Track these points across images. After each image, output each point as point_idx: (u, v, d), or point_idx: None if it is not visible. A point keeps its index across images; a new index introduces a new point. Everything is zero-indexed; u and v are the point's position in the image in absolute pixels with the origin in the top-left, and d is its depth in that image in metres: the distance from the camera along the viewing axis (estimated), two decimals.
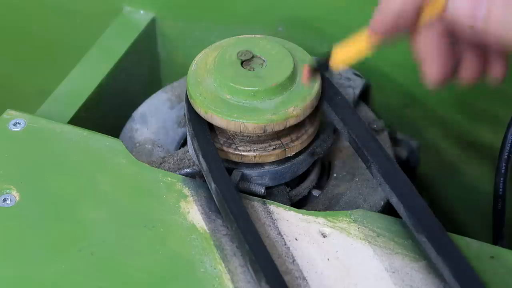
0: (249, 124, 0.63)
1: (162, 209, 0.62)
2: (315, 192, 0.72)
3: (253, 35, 0.69)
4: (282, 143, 0.66)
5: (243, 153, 0.66)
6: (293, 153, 0.67)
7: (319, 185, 0.73)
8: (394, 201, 0.60)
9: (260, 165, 0.67)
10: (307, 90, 0.65)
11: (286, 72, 0.65)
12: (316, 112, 0.67)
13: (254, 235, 0.58)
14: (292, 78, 0.65)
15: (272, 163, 0.67)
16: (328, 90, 0.67)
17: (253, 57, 0.66)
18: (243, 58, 0.66)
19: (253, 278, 0.57)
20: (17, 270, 0.59)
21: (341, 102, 0.66)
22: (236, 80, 0.64)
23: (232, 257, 0.59)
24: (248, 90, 0.64)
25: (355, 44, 0.57)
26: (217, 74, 0.65)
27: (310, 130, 0.67)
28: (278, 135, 0.66)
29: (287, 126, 0.64)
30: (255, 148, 0.66)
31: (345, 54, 0.58)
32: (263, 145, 0.66)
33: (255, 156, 0.66)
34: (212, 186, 0.61)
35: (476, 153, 0.83)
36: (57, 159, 0.66)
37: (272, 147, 0.66)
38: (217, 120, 0.64)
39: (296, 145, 0.66)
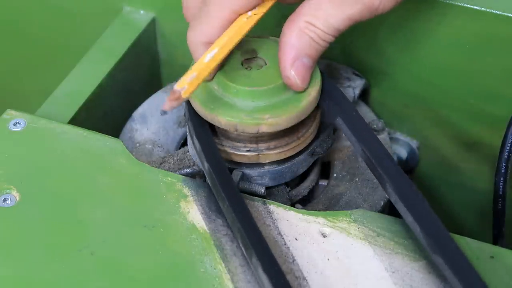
0: (251, 124, 0.63)
1: (162, 209, 0.62)
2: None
3: (257, 36, 0.69)
4: (284, 142, 0.66)
5: (244, 153, 0.66)
6: (295, 152, 0.67)
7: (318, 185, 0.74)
8: (410, 220, 0.59)
9: (260, 165, 0.67)
10: (308, 89, 0.65)
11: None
12: (316, 110, 0.67)
13: (258, 236, 0.57)
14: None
15: (272, 163, 0.67)
16: (327, 88, 0.67)
17: (256, 57, 0.66)
18: (248, 56, 0.66)
19: (253, 278, 0.57)
20: (17, 270, 0.59)
21: (356, 118, 0.65)
22: (237, 80, 0.64)
23: (232, 257, 0.59)
24: (249, 90, 0.64)
25: (197, 73, 0.60)
26: (217, 74, 0.65)
27: (311, 129, 0.67)
28: (279, 134, 0.66)
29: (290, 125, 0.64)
30: (257, 148, 0.66)
31: (193, 85, 0.60)
32: (264, 144, 0.66)
33: (257, 156, 0.66)
34: (215, 186, 0.61)
35: (476, 153, 0.83)
36: (57, 159, 0.66)
37: (274, 146, 0.66)
38: (219, 120, 0.64)
39: (298, 144, 0.66)
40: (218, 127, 0.66)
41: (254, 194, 0.65)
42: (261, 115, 0.63)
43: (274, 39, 0.68)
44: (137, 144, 0.76)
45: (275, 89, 0.64)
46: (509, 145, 0.69)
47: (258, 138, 0.66)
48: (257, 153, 0.65)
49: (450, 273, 0.55)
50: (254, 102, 0.63)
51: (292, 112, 0.63)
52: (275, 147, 0.66)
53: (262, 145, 0.66)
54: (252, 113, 0.63)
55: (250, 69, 0.65)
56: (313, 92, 0.65)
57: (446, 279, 0.56)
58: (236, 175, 0.66)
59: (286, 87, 0.64)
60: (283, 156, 0.66)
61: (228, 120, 0.63)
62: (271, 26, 0.71)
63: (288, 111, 0.63)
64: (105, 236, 0.60)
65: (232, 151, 0.65)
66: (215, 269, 0.58)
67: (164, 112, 0.57)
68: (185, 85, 0.59)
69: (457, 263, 0.55)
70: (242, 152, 0.66)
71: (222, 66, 0.65)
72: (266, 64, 0.66)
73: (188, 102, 0.66)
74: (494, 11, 0.72)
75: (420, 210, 0.58)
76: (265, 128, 0.63)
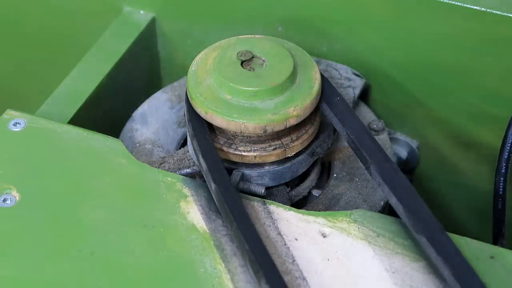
0: (250, 124, 0.63)
1: (162, 209, 0.62)
2: (315, 192, 0.72)
3: (252, 35, 0.69)
4: (282, 143, 0.66)
5: (243, 153, 0.66)
6: (293, 153, 0.67)
7: (319, 185, 0.73)
8: (393, 201, 0.60)
9: (260, 165, 0.67)
10: (307, 90, 0.65)
11: (286, 72, 0.65)
12: (316, 112, 0.67)
13: (254, 235, 0.58)
14: (292, 78, 0.65)
15: (272, 163, 0.67)
16: (327, 91, 0.67)
17: (253, 57, 0.66)
18: (243, 58, 0.66)
19: (253, 278, 0.57)
20: (17, 270, 0.59)
21: (340, 103, 0.66)
22: (236, 80, 0.64)
23: (232, 257, 0.59)
24: (249, 90, 0.64)
25: None
26: (217, 74, 0.65)
27: (310, 130, 0.67)
28: (278, 135, 0.66)
29: (287, 126, 0.64)
30: (255, 148, 0.66)
31: None
32: (263, 145, 0.66)
33: (255, 156, 0.66)
34: (212, 186, 0.61)
35: (476, 153, 0.83)
36: (57, 159, 0.66)
37: (272, 147, 0.66)
38: (217, 120, 0.64)
39: (296, 145, 0.66)
40: (217, 127, 0.66)
41: (254, 194, 0.65)
42: (286, 110, 0.63)
43: (262, 36, 0.69)
44: (137, 144, 0.76)
45: (289, 81, 0.65)
46: (509, 145, 0.69)
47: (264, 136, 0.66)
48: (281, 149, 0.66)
49: (433, 251, 0.56)
50: (274, 100, 0.64)
51: (310, 98, 0.64)
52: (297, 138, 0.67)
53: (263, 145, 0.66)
54: (277, 110, 0.64)
55: (253, 70, 0.65)
56: (317, 74, 0.66)
57: (446, 280, 0.56)
58: (236, 175, 0.66)
59: (295, 77, 0.65)
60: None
61: (257, 124, 0.63)
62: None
63: (305, 98, 0.64)
64: (105, 236, 0.60)
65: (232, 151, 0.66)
66: (215, 269, 0.58)
67: None
68: None
69: (439, 241, 0.56)
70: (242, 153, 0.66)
71: (224, 73, 0.65)
72: (264, 61, 0.66)
73: (188, 103, 0.66)
74: (494, 11, 0.72)
75: (404, 191, 0.59)
76: (292, 121, 0.64)
